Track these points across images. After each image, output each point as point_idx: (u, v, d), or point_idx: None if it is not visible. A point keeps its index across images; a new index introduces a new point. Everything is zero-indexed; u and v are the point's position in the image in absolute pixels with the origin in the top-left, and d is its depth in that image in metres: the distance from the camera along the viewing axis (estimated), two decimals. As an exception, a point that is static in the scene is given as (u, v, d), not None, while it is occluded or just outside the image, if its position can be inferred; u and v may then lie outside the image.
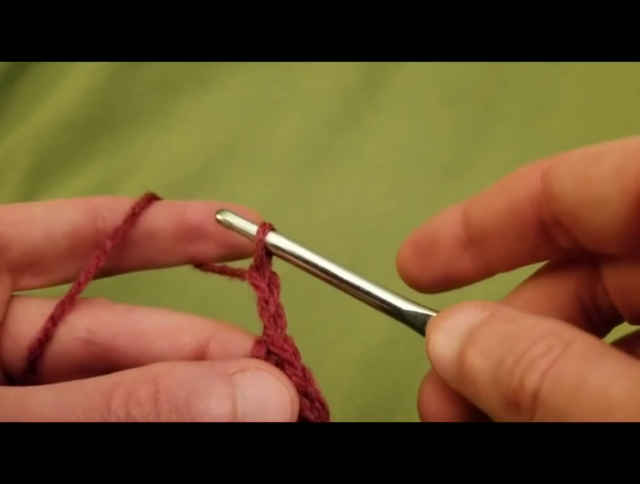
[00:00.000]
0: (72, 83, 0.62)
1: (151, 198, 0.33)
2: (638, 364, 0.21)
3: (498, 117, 0.59)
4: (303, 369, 0.28)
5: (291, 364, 0.28)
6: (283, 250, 0.30)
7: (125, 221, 0.31)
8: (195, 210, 0.33)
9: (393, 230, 0.54)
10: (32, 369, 0.29)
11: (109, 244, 0.31)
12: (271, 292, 0.30)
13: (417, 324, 0.29)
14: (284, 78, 0.63)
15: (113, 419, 0.23)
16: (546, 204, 0.27)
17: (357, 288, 0.29)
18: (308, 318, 0.49)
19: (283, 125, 0.60)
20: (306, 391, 0.27)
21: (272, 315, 0.29)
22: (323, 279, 0.29)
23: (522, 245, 0.28)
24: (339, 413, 0.46)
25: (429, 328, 0.27)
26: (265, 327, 0.29)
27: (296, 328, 0.31)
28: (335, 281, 0.29)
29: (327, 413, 0.28)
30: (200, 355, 0.29)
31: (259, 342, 0.29)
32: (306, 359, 0.30)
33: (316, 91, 0.62)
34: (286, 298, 0.30)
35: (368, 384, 0.46)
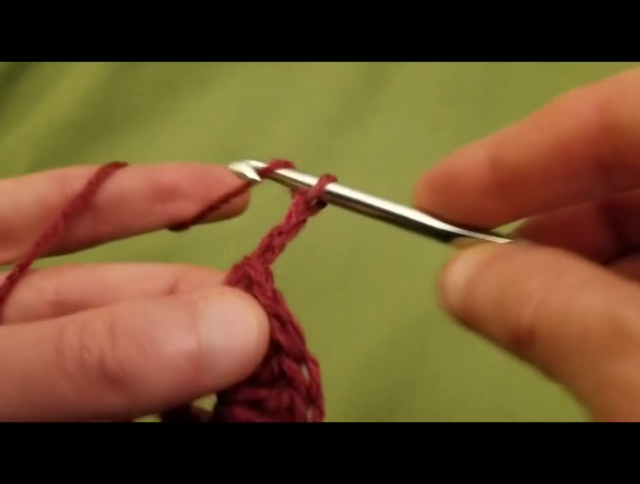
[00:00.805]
0: (72, 83, 0.62)
1: (117, 164, 0.32)
2: (623, 285, 0.21)
3: (498, 117, 0.59)
4: (273, 291, 0.27)
5: (259, 284, 0.26)
6: (342, 197, 0.30)
7: (89, 183, 0.31)
8: (167, 170, 0.32)
9: (393, 230, 0.54)
10: None
11: (69, 207, 0.30)
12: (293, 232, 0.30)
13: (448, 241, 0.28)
14: (284, 78, 0.63)
15: (67, 351, 0.22)
16: (606, 138, 0.24)
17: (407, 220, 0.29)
18: (308, 318, 0.48)
19: (283, 125, 0.60)
20: (275, 312, 0.26)
21: (272, 246, 0.28)
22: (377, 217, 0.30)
23: (570, 187, 0.25)
24: (339, 414, 0.46)
25: (449, 262, 0.27)
26: (256, 251, 0.28)
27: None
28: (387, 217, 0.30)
29: (300, 337, 0.27)
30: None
31: (236, 267, 0.28)
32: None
33: (316, 90, 0.62)
34: (286, 298, 0.30)
35: (368, 384, 0.46)
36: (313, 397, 0.26)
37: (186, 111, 0.62)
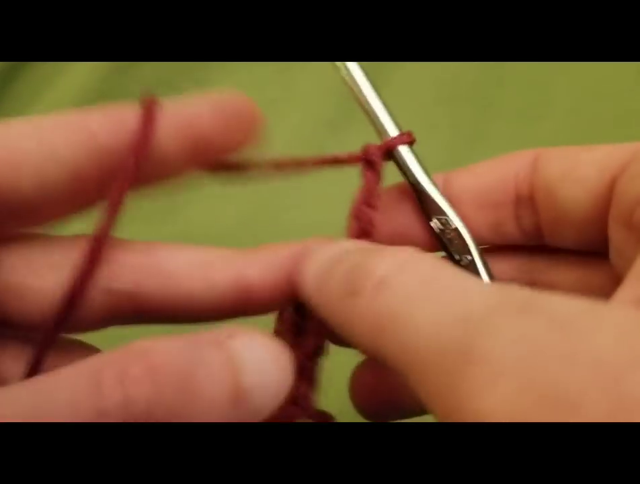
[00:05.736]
0: (69, 83, 0.62)
1: (152, 106, 0.27)
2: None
3: (495, 117, 0.59)
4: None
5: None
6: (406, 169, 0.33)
7: (136, 154, 0.25)
8: (203, 122, 0.30)
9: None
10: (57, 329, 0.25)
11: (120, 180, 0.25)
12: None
13: None
14: (282, 79, 0.63)
15: (110, 406, 0.20)
16: (528, 178, 0.30)
17: None
18: (306, 318, 0.49)
19: (280, 125, 0.60)
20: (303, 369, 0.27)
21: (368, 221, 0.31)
22: None
23: (488, 216, 0.31)
24: (338, 414, 0.46)
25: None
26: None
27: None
28: None
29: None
30: (241, 289, 0.27)
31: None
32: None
33: (313, 90, 0.62)
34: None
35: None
36: None
37: (184, 111, 0.62)
